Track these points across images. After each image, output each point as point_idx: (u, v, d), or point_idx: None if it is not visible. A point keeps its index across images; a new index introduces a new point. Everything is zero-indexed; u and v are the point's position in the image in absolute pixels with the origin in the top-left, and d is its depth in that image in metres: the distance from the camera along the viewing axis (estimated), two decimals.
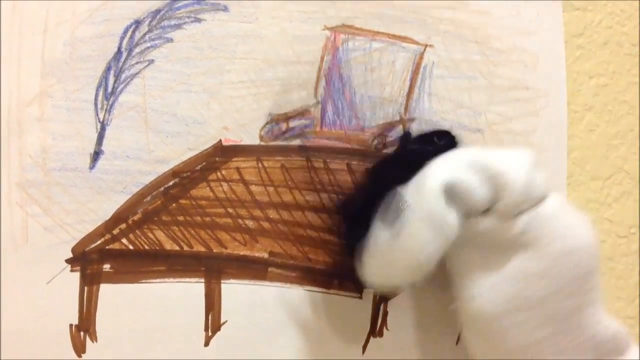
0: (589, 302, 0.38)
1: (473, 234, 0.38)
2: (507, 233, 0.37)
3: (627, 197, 0.51)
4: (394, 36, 0.49)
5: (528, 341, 0.37)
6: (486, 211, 0.38)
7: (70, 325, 0.45)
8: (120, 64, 0.46)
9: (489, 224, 0.38)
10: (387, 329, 0.49)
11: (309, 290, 0.48)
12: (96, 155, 0.46)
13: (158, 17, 0.46)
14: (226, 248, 0.47)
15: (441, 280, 0.48)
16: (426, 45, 0.49)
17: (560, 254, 0.37)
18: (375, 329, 0.49)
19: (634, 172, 0.51)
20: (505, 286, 0.37)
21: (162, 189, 0.46)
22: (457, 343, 0.49)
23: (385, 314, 0.49)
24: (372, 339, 0.49)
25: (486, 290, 0.38)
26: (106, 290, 0.46)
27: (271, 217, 0.47)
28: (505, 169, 0.37)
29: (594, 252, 0.39)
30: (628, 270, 0.51)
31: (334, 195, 0.48)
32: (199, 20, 0.47)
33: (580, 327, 0.38)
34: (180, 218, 0.47)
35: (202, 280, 0.47)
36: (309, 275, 0.48)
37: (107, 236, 0.46)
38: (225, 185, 0.47)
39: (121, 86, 0.46)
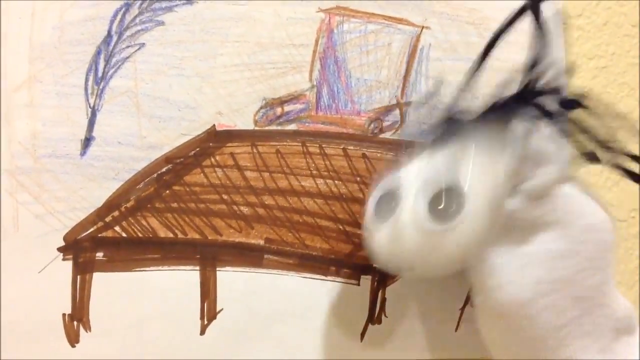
0: (608, 278, 0.41)
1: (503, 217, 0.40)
2: (532, 213, 0.39)
3: (627, 181, 0.53)
4: (390, 18, 0.51)
5: (556, 325, 0.38)
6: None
7: (64, 315, 0.47)
8: (111, 47, 0.48)
9: (516, 204, 0.39)
10: (385, 315, 0.51)
11: (305, 278, 0.50)
12: (87, 141, 0.47)
13: None
14: (221, 235, 0.49)
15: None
16: (422, 27, 0.51)
17: (584, 230, 0.39)
18: (374, 316, 0.51)
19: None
20: (532, 270, 0.39)
21: (155, 175, 0.48)
22: (456, 330, 0.52)
23: (384, 300, 0.51)
24: (370, 326, 0.51)
25: (513, 277, 0.39)
26: (99, 279, 0.47)
27: (266, 203, 0.49)
28: (542, 148, 0.39)
29: (611, 227, 0.41)
30: (628, 254, 0.54)
31: (330, 181, 0.50)
32: (190, 2, 0.49)
33: (602, 306, 0.40)
34: (174, 205, 0.48)
35: (197, 268, 0.49)
36: (305, 262, 0.50)
37: (100, 224, 0.48)
38: (219, 171, 0.49)
39: (112, 70, 0.48)
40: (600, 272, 0.39)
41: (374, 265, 0.48)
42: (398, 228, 0.39)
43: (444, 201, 0.38)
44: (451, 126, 0.41)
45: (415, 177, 0.40)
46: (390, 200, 0.41)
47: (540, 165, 0.39)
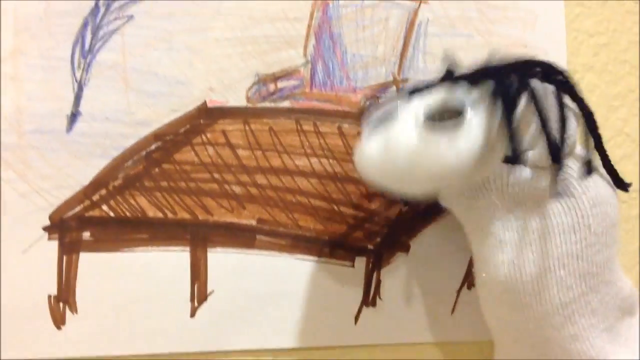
0: (613, 256, 0.40)
1: (509, 187, 0.39)
2: (541, 183, 0.38)
3: (628, 160, 0.53)
4: None
5: (562, 301, 0.38)
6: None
7: (49, 296, 0.46)
8: (98, 19, 0.47)
9: (524, 173, 0.39)
10: (380, 298, 0.50)
11: (298, 259, 0.49)
12: (73, 116, 0.46)
13: None
14: (212, 215, 0.48)
15: (436, 248, 0.50)
16: (420, 2, 0.50)
17: (592, 204, 0.39)
18: (368, 299, 0.50)
19: (634, 134, 0.53)
20: (541, 244, 0.38)
21: (143, 152, 0.47)
22: (452, 312, 0.51)
23: (379, 282, 0.50)
24: (364, 309, 0.50)
25: (522, 251, 0.39)
26: (86, 260, 0.47)
27: (259, 182, 0.49)
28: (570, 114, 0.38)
29: (616, 202, 0.41)
30: (628, 236, 0.53)
31: (325, 160, 0.49)
32: None
33: (608, 283, 0.40)
34: (164, 184, 0.47)
35: (187, 248, 0.48)
36: (298, 243, 0.49)
37: (87, 202, 0.47)
38: (210, 149, 0.48)
39: (99, 43, 0.47)
40: (607, 249, 0.39)
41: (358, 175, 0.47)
42: (392, 133, 0.38)
43: (442, 115, 0.37)
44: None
45: (414, 101, 0.39)
46: (380, 125, 0.40)
47: (569, 129, 0.38)
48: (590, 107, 0.39)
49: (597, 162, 0.41)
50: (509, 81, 0.37)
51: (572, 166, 0.39)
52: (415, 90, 0.39)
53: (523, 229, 0.39)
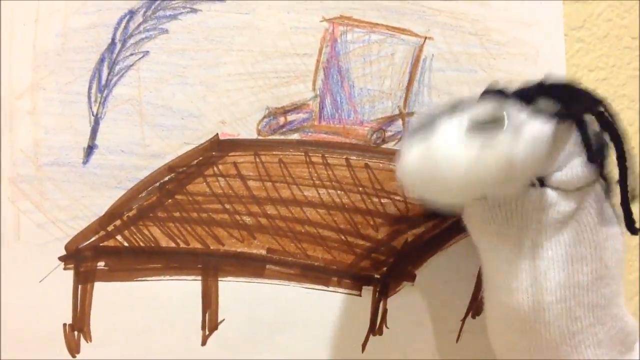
0: (621, 290, 0.43)
1: (534, 210, 0.41)
2: (563, 208, 0.40)
3: None
4: (393, 28, 0.53)
5: (570, 331, 0.40)
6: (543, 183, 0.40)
7: (64, 325, 0.49)
8: (114, 55, 0.49)
9: (547, 196, 0.40)
10: (386, 326, 0.53)
11: (307, 288, 0.52)
12: (90, 149, 0.49)
13: (153, 7, 0.50)
14: (223, 245, 0.51)
15: (442, 277, 0.53)
16: (425, 38, 0.53)
17: (606, 238, 0.41)
18: (375, 327, 0.53)
19: (634, 167, 0.56)
20: (555, 273, 0.40)
21: (157, 184, 0.50)
22: (457, 341, 0.53)
23: (385, 311, 0.53)
24: (371, 337, 0.52)
25: (537, 280, 0.40)
26: (100, 289, 0.49)
27: (269, 213, 0.51)
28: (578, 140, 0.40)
29: (623, 238, 0.43)
30: (627, 266, 0.56)
31: (333, 191, 0.52)
32: (194, 10, 0.50)
33: (614, 317, 0.42)
34: (177, 214, 0.50)
35: (199, 278, 0.50)
36: (307, 273, 0.52)
37: (102, 233, 0.49)
38: (222, 181, 0.51)
39: (115, 78, 0.49)
40: (614, 282, 0.41)
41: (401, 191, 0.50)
42: (434, 140, 0.39)
43: (483, 123, 0.38)
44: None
45: (456, 113, 0.40)
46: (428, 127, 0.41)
47: (574, 157, 0.40)
48: (625, 142, 0.41)
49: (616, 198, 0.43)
50: (579, 102, 0.39)
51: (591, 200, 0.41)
52: (457, 106, 0.41)
53: (540, 257, 0.40)
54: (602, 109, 0.40)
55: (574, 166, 0.41)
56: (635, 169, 0.54)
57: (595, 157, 0.39)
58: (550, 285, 0.40)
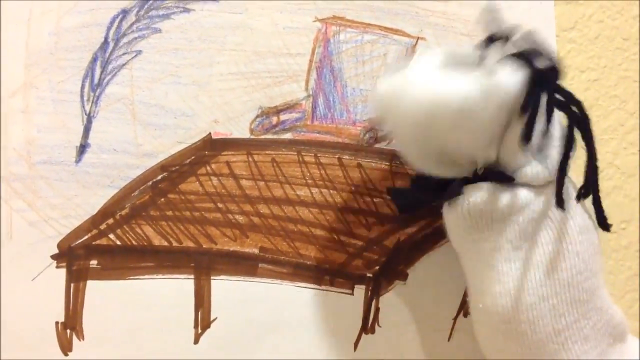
0: (601, 283, 0.43)
1: (509, 213, 0.41)
2: (534, 205, 0.41)
3: (618, 192, 0.56)
4: (386, 28, 0.53)
5: (555, 328, 0.40)
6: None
7: (56, 323, 0.49)
8: (107, 54, 0.50)
9: (526, 194, 0.41)
10: (379, 325, 0.53)
11: (300, 287, 0.52)
12: (82, 148, 0.49)
13: (146, 6, 0.50)
14: (216, 244, 0.51)
15: (433, 276, 0.53)
16: (418, 38, 0.54)
17: (579, 231, 0.41)
18: (367, 326, 0.53)
19: (624, 166, 0.56)
20: (535, 273, 0.41)
21: (150, 183, 0.50)
22: (449, 339, 0.54)
23: (377, 310, 0.53)
24: (364, 336, 0.53)
25: (519, 282, 0.41)
26: (93, 287, 0.49)
27: (262, 212, 0.52)
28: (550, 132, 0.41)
29: (597, 230, 0.43)
30: (618, 265, 0.57)
31: (325, 190, 0.52)
32: (187, 10, 0.51)
33: (599, 310, 0.42)
34: (169, 213, 0.50)
35: (192, 276, 0.51)
36: (300, 271, 0.52)
37: (94, 231, 0.49)
38: (214, 180, 0.51)
39: (108, 77, 0.50)
40: (594, 275, 0.42)
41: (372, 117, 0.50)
42: (406, 71, 0.40)
43: (457, 60, 0.39)
44: None
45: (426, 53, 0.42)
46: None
47: (541, 150, 0.41)
48: (594, 142, 0.41)
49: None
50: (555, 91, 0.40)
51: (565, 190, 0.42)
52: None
53: (520, 259, 0.41)
54: (575, 107, 0.41)
55: (540, 159, 0.41)
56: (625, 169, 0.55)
57: (527, 135, 0.39)
58: (531, 285, 0.41)
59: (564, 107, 0.41)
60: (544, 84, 0.39)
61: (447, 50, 0.41)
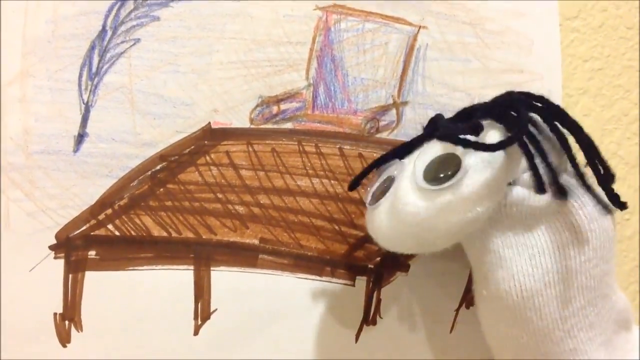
0: (611, 270, 0.43)
1: (507, 207, 0.41)
2: (538, 202, 0.41)
3: (622, 182, 0.56)
4: (387, 17, 0.53)
5: (562, 315, 0.40)
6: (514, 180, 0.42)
7: (55, 314, 0.49)
8: (105, 42, 0.49)
9: (520, 193, 0.41)
10: (380, 317, 0.53)
11: (300, 278, 0.52)
12: (80, 137, 0.49)
13: None
14: (216, 234, 0.51)
15: (435, 267, 0.53)
16: (420, 27, 0.53)
17: (590, 219, 0.41)
18: (369, 317, 0.53)
19: (628, 157, 0.56)
20: (542, 259, 0.41)
21: (149, 173, 0.50)
22: (451, 331, 0.54)
23: (379, 301, 0.53)
24: (365, 327, 0.53)
25: (524, 267, 0.41)
26: (92, 278, 0.49)
27: (262, 202, 0.51)
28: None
29: (610, 218, 0.43)
30: (622, 256, 0.57)
31: (326, 181, 0.52)
32: None
33: (605, 297, 0.42)
34: (168, 203, 0.50)
35: (191, 267, 0.50)
36: (300, 262, 0.52)
37: (93, 222, 0.49)
38: (214, 170, 0.51)
39: (106, 66, 0.49)
40: (604, 263, 0.42)
41: (376, 253, 0.51)
42: (396, 197, 0.41)
43: (441, 168, 0.40)
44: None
45: (410, 161, 0.42)
46: (387, 185, 0.43)
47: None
48: (579, 125, 0.42)
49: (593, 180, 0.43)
50: (514, 114, 0.40)
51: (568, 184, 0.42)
52: (406, 151, 0.43)
53: (526, 245, 0.41)
54: (542, 106, 0.41)
55: (540, 164, 0.41)
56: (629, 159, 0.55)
57: (541, 188, 0.40)
58: (537, 271, 0.41)
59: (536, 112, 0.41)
60: (519, 132, 0.39)
61: (419, 163, 0.41)
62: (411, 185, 0.40)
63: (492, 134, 0.40)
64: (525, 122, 0.40)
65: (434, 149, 0.41)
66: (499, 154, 0.39)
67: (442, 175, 0.39)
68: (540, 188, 0.40)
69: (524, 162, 0.40)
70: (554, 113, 0.41)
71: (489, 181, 0.38)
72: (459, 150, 0.39)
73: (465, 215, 0.39)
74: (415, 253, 0.43)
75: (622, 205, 0.42)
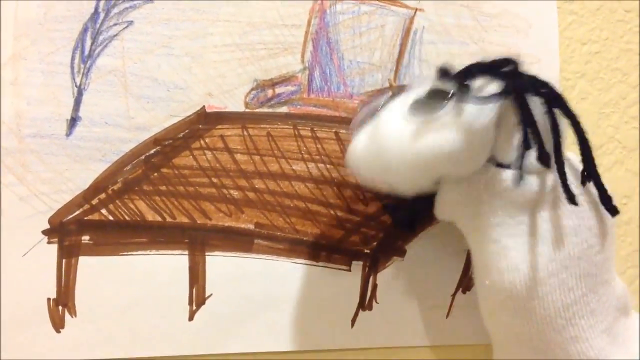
0: (611, 257, 0.43)
1: (506, 192, 0.41)
2: (537, 187, 0.40)
3: (619, 166, 0.56)
4: None
5: (564, 303, 0.40)
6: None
7: (48, 300, 0.48)
8: (98, 25, 0.49)
9: (516, 175, 0.40)
10: (376, 302, 0.53)
11: (296, 263, 0.52)
12: (73, 121, 0.49)
13: None
14: (210, 219, 0.51)
15: (432, 252, 0.53)
16: (416, 9, 0.53)
17: (594, 206, 0.41)
18: (365, 302, 0.53)
19: (625, 141, 0.56)
20: (544, 248, 0.40)
21: (143, 157, 0.50)
22: (447, 316, 0.54)
23: (375, 286, 0.53)
24: (361, 312, 0.53)
25: (527, 257, 0.40)
26: (85, 263, 0.49)
27: (257, 187, 0.51)
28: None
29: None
30: (619, 241, 0.57)
31: (322, 165, 0.52)
32: None
33: (605, 283, 0.42)
34: (163, 188, 0.50)
35: (186, 252, 0.50)
36: (296, 247, 0.52)
37: (86, 206, 0.49)
38: (209, 154, 0.50)
39: (99, 49, 0.49)
40: (605, 249, 0.42)
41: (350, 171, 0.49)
42: (379, 124, 0.40)
43: (425, 102, 0.39)
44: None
45: (400, 96, 0.42)
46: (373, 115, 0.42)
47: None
48: (577, 116, 0.41)
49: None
50: (520, 80, 0.39)
51: (569, 170, 0.41)
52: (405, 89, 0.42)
53: (525, 233, 0.41)
54: (547, 90, 0.40)
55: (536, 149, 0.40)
56: (626, 143, 0.54)
57: (544, 156, 0.39)
58: (541, 260, 0.40)
59: (537, 94, 0.40)
60: (518, 88, 0.39)
61: (410, 96, 0.41)
62: (396, 110, 0.40)
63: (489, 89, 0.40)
64: (528, 82, 0.39)
65: (425, 87, 0.41)
66: (492, 107, 0.38)
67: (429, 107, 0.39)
68: (544, 158, 0.39)
69: (515, 143, 0.40)
70: (555, 100, 0.41)
71: (473, 125, 0.38)
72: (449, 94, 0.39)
73: (440, 144, 0.38)
74: (383, 185, 0.42)
75: (613, 211, 0.42)
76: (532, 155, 0.40)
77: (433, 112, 0.38)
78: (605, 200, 0.41)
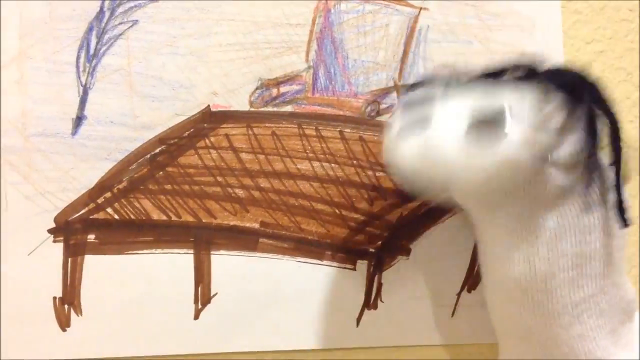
0: (623, 258, 0.43)
1: (528, 184, 0.41)
2: (568, 183, 0.40)
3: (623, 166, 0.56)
4: None
5: (573, 301, 0.40)
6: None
7: (54, 298, 0.49)
8: (103, 24, 0.49)
9: (552, 174, 0.40)
10: (381, 301, 0.53)
11: (301, 262, 0.52)
12: (78, 120, 0.49)
13: None
14: (215, 218, 0.51)
15: (437, 251, 0.53)
16: (421, 8, 0.53)
17: (612, 205, 0.41)
18: (370, 301, 0.53)
19: (630, 140, 0.56)
20: (560, 243, 0.40)
21: (148, 156, 0.50)
22: (452, 315, 0.54)
23: (380, 285, 0.53)
24: (366, 311, 0.53)
25: (541, 250, 0.40)
26: (91, 262, 0.49)
27: (262, 186, 0.51)
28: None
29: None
30: None
31: (327, 164, 0.52)
32: None
33: (615, 285, 0.42)
34: (168, 187, 0.50)
35: (191, 251, 0.50)
36: (301, 246, 0.52)
37: (91, 205, 0.49)
38: (214, 153, 0.51)
39: (104, 48, 0.49)
40: (618, 251, 0.42)
41: (394, 181, 0.50)
42: (433, 139, 0.40)
43: (484, 127, 0.39)
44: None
45: (449, 106, 0.41)
46: (417, 123, 0.42)
47: (571, 133, 0.40)
48: (618, 122, 0.41)
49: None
50: (582, 91, 0.40)
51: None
52: (453, 83, 0.42)
53: (539, 227, 0.41)
54: (595, 92, 0.41)
55: (571, 143, 0.40)
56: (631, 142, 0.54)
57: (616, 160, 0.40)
58: (553, 255, 0.40)
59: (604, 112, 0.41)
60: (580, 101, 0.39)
61: (470, 110, 0.40)
62: (452, 127, 0.40)
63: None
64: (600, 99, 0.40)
65: (479, 96, 0.40)
66: (551, 132, 0.39)
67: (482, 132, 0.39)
68: (594, 165, 0.40)
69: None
70: (607, 110, 0.41)
71: (522, 164, 0.38)
72: (504, 105, 0.39)
73: (497, 175, 0.39)
74: (423, 191, 0.42)
75: (625, 222, 0.42)
76: (562, 151, 0.40)
77: (492, 136, 0.38)
78: (621, 210, 0.42)
